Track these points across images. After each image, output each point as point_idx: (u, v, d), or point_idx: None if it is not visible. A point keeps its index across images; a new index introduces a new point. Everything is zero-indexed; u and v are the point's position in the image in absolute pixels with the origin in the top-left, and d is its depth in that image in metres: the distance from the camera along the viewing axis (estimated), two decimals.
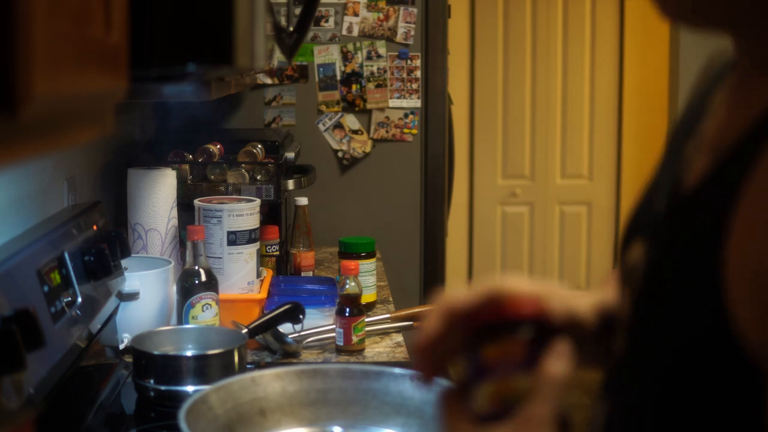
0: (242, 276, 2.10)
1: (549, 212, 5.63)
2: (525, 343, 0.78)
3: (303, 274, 2.55)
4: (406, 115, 3.21)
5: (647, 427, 0.71)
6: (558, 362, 0.77)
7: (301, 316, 1.97)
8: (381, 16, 3.16)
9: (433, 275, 3.29)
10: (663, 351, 0.68)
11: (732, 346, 0.63)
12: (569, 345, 0.79)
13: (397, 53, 3.17)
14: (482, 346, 0.78)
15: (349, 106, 3.20)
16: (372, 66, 3.18)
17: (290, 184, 2.53)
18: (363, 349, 2.02)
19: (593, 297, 0.92)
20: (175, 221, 2.17)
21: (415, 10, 3.16)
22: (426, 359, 0.84)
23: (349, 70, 3.18)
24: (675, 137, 0.83)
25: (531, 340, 0.79)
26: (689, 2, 0.70)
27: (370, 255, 2.31)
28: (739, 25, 0.70)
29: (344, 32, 3.16)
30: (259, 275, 2.19)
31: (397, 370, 1.30)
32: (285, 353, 1.97)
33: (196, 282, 1.90)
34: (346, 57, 3.17)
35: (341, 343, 2.00)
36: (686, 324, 0.66)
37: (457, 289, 0.84)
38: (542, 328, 0.80)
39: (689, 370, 0.66)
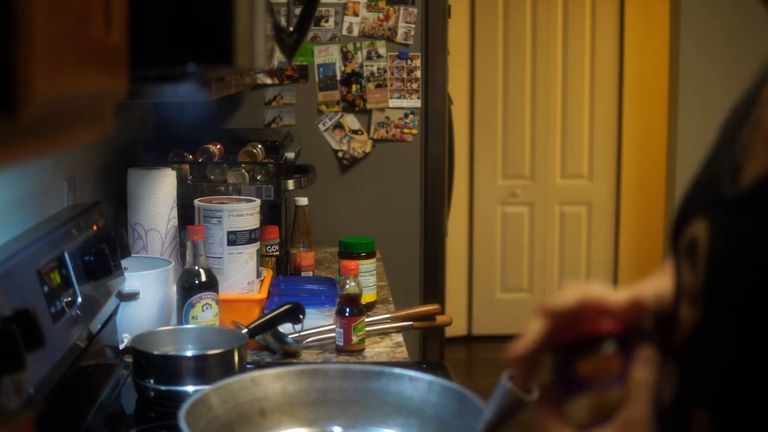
0: (242, 276, 2.10)
1: (549, 212, 5.63)
2: (617, 357, 0.85)
3: (303, 274, 2.55)
4: (406, 115, 3.21)
5: (719, 391, 0.74)
6: (646, 368, 0.85)
7: (301, 316, 1.97)
8: (381, 16, 3.16)
9: (433, 275, 3.29)
10: (740, 328, 0.72)
11: None
12: (652, 350, 0.86)
13: (397, 53, 3.18)
14: (576, 361, 0.84)
15: (349, 106, 3.20)
16: (372, 66, 3.18)
17: (290, 184, 2.53)
18: (363, 349, 2.02)
19: (655, 284, 0.97)
20: (175, 221, 2.17)
21: (415, 10, 3.16)
22: (525, 366, 0.92)
23: (349, 70, 3.18)
24: (732, 119, 0.86)
25: (620, 353, 0.85)
26: None
27: (370, 255, 2.31)
28: None
29: (344, 32, 3.16)
30: (259, 275, 2.19)
31: (397, 371, 1.30)
32: (285, 353, 1.97)
33: (196, 282, 1.90)
34: (346, 57, 3.17)
35: (341, 343, 2.00)
36: (747, 321, 0.70)
37: (556, 299, 0.92)
38: (625, 340, 0.86)
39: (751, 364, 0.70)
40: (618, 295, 0.92)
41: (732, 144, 0.82)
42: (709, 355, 0.76)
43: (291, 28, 1.65)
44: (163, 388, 1.65)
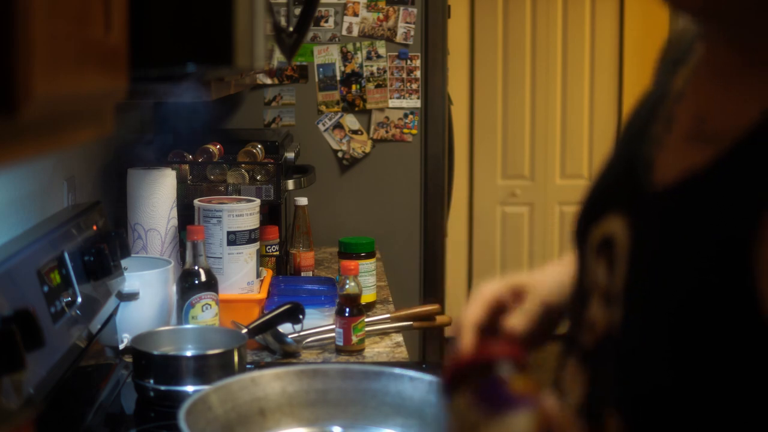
0: (242, 276, 2.10)
1: (549, 212, 5.63)
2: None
3: (303, 274, 2.55)
4: (405, 116, 3.21)
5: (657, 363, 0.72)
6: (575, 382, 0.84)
7: (300, 316, 1.97)
8: (381, 16, 3.16)
9: (432, 275, 3.29)
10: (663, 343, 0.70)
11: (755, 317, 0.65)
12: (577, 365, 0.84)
13: (396, 53, 3.17)
14: (510, 377, 0.79)
15: (349, 107, 3.20)
16: (372, 66, 3.18)
17: (290, 184, 2.53)
18: (363, 349, 2.02)
19: (557, 271, 1.01)
20: (174, 221, 2.17)
21: (415, 10, 3.16)
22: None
23: (348, 70, 3.18)
24: (640, 112, 0.86)
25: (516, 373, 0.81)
26: None
27: (369, 255, 2.31)
28: (729, 13, 0.73)
29: (344, 32, 3.16)
30: (258, 275, 2.19)
31: (397, 370, 1.30)
32: (285, 353, 1.97)
33: (196, 282, 1.90)
34: (345, 57, 3.17)
35: (341, 343, 2.00)
36: (706, 292, 0.68)
37: (466, 314, 0.95)
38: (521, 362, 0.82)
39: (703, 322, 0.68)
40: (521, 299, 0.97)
41: (642, 138, 0.82)
42: (634, 359, 0.74)
43: (291, 28, 1.65)
44: (162, 388, 1.65)
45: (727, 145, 0.71)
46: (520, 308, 0.98)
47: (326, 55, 3.17)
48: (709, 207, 0.71)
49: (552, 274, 1.03)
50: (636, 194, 0.79)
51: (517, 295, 1.01)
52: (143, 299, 1.90)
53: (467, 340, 0.94)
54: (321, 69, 3.18)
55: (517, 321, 0.97)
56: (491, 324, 0.96)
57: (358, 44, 3.17)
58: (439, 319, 2.26)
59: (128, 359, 1.83)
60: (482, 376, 0.80)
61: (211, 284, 1.92)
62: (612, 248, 0.79)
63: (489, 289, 1.00)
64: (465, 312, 0.97)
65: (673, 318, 0.70)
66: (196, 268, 1.90)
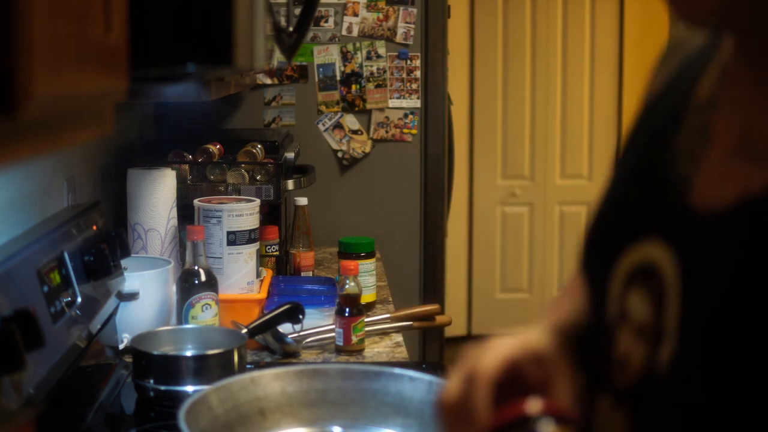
0: (242, 276, 2.10)
1: (549, 212, 5.63)
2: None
3: (303, 274, 2.55)
4: (405, 115, 3.21)
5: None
6: None
7: (300, 316, 1.97)
8: (381, 16, 3.16)
9: (432, 275, 3.29)
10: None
11: None
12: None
13: (396, 53, 3.17)
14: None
15: (349, 106, 3.20)
16: (372, 66, 3.18)
17: (290, 184, 2.53)
18: (363, 349, 2.02)
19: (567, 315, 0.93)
20: (174, 221, 2.17)
21: (415, 10, 3.16)
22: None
23: (348, 70, 3.18)
24: (651, 122, 0.79)
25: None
26: (712, 5, 0.67)
27: (369, 255, 2.31)
28: (743, 23, 0.68)
29: (344, 32, 3.16)
30: (258, 275, 2.19)
31: (397, 371, 1.30)
32: (285, 353, 1.97)
33: (196, 282, 1.90)
34: (345, 57, 3.17)
35: (341, 343, 2.00)
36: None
37: (482, 366, 0.87)
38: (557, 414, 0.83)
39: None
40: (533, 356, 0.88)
41: (665, 151, 0.74)
42: (690, 398, 0.67)
43: (291, 28, 1.65)
44: (162, 388, 1.65)
45: None
46: (558, 383, 0.89)
47: (326, 55, 3.17)
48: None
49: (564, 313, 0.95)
50: (676, 218, 0.71)
51: (539, 363, 0.90)
52: (143, 299, 1.90)
53: (485, 395, 0.86)
54: (321, 69, 3.18)
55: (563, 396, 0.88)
56: (510, 380, 0.88)
57: (358, 44, 3.17)
58: (439, 319, 2.26)
59: (128, 359, 1.83)
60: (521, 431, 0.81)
61: (211, 284, 1.92)
62: (654, 279, 0.71)
63: (505, 348, 0.89)
64: (479, 363, 0.88)
65: (737, 358, 0.63)
66: (196, 268, 1.90)
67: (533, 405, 0.82)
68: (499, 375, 0.87)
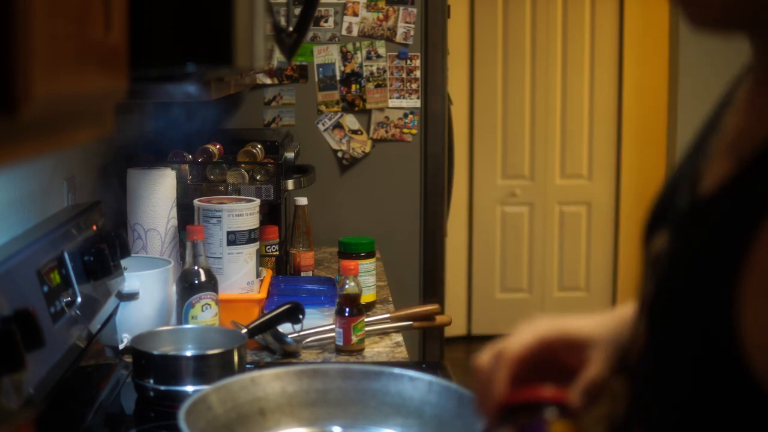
0: (242, 276, 2.10)
1: (549, 212, 5.63)
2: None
3: (303, 274, 2.55)
4: (405, 115, 3.21)
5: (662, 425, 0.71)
6: None
7: (300, 316, 1.97)
8: (380, 16, 3.16)
9: (432, 275, 3.29)
10: (676, 361, 0.69)
11: (740, 372, 0.62)
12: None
13: (396, 53, 3.18)
14: (551, 423, 0.85)
15: (349, 106, 3.20)
16: (371, 66, 3.18)
17: (290, 184, 2.53)
18: (362, 349, 2.02)
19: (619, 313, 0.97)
20: (174, 221, 2.17)
21: (415, 10, 3.16)
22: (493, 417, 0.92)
23: (348, 70, 3.18)
24: (703, 129, 0.83)
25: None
26: (716, 9, 0.69)
27: (369, 255, 2.31)
28: (760, 28, 0.70)
29: (344, 32, 3.16)
30: (258, 275, 2.19)
31: (397, 370, 1.30)
32: (285, 353, 1.97)
33: (196, 282, 1.90)
34: (345, 57, 3.17)
35: (341, 343, 2.00)
36: (695, 339, 0.66)
37: (512, 342, 0.93)
38: (565, 406, 0.87)
39: (699, 388, 0.66)
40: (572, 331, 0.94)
41: (700, 152, 0.79)
42: (654, 374, 0.72)
43: (291, 28, 1.65)
44: (162, 388, 1.65)
45: (746, 160, 0.68)
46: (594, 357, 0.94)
47: (326, 55, 3.17)
48: (718, 224, 0.67)
49: (606, 317, 0.99)
50: (678, 208, 0.77)
51: (571, 346, 0.95)
52: (143, 299, 1.90)
53: (505, 374, 0.92)
54: (321, 69, 3.18)
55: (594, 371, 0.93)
56: (537, 361, 0.94)
57: (357, 44, 3.17)
58: (439, 319, 2.26)
59: (128, 359, 1.83)
60: (529, 416, 0.86)
61: (211, 284, 1.92)
62: (658, 264, 0.78)
63: (542, 329, 0.95)
64: (512, 340, 0.94)
65: (680, 334, 0.68)
66: (196, 268, 1.90)
67: (544, 392, 0.87)
68: (528, 354, 0.92)
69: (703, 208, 0.71)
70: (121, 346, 1.88)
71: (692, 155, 0.81)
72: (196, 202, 2.14)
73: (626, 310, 0.96)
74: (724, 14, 0.69)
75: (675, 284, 0.71)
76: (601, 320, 0.96)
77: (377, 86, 3.18)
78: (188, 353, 1.76)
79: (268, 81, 3.17)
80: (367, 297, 2.26)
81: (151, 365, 1.67)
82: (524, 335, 0.94)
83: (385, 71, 3.18)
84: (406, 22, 3.16)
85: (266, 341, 1.97)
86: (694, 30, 0.71)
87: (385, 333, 2.16)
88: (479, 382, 0.94)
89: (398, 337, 2.14)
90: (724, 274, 0.64)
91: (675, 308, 0.70)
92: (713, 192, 0.70)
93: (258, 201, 2.18)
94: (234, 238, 2.08)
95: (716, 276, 0.65)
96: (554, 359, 0.94)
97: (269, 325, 1.95)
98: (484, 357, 0.95)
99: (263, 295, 2.14)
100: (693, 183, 0.76)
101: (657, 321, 0.73)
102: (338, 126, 3.20)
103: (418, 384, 1.28)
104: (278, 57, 2.35)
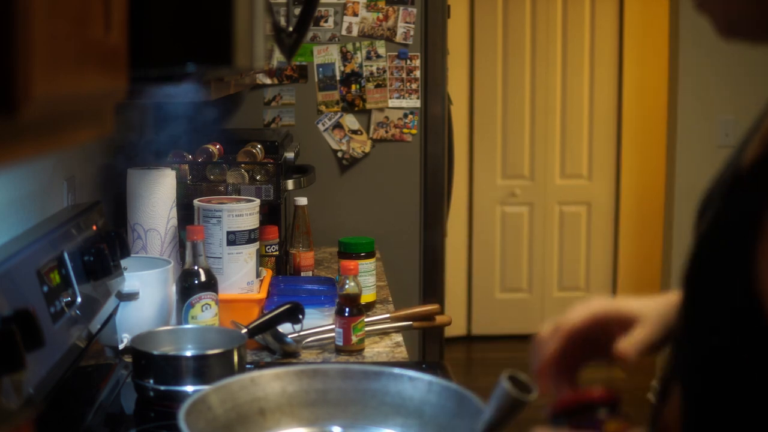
0: (242, 276, 2.10)
1: (548, 212, 5.63)
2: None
3: (302, 274, 2.55)
4: (405, 115, 3.21)
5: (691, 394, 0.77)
6: None
7: (300, 316, 1.97)
8: (380, 16, 3.16)
9: (432, 275, 3.29)
10: (702, 332, 0.75)
11: (761, 327, 0.68)
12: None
13: (396, 53, 3.18)
14: (605, 422, 0.91)
15: (349, 106, 3.20)
16: (371, 66, 3.18)
17: (290, 184, 2.53)
18: (362, 349, 2.02)
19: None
20: (174, 221, 2.17)
21: (415, 10, 3.16)
22: (546, 379, 1.00)
23: (348, 70, 3.18)
24: (754, 122, 0.87)
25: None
26: (722, 21, 0.74)
27: (369, 255, 2.31)
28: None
29: (344, 32, 3.16)
30: (258, 275, 2.19)
31: (397, 371, 1.30)
32: (285, 353, 1.97)
33: (196, 282, 1.90)
34: (345, 57, 3.17)
35: (341, 343, 2.00)
36: (720, 308, 0.72)
37: (568, 317, 1.00)
38: (615, 406, 0.92)
39: (725, 354, 0.72)
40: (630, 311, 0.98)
41: (747, 143, 0.83)
42: (685, 334, 0.79)
43: (290, 28, 1.65)
44: (162, 388, 1.65)
45: (765, 144, 0.73)
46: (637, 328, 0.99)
47: (326, 55, 3.17)
48: (743, 197, 0.73)
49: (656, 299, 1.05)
50: (716, 195, 0.82)
51: (623, 322, 1.00)
52: (143, 299, 1.90)
53: (559, 344, 0.98)
54: (321, 69, 3.18)
55: (640, 336, 0.98)
56: (591, 336, 1.00)
57: (357, 44, 3.17)
58: (439, 319, 2.26)
59: (128, 359, 1.83)
60: (583, 418, 0.91)
61: (211, 284, 1.92)
62: None
63: (596, 306, 1.01)
64: (568, 315, 1.00)
65: (707, 291, 0.74)
66: (196, 268, 1.91)
67: (595, 393, 0.92)
68: (583, 327, 0.99)
69: (729, 190, 0.77)
70: (121, 346, 1.88)
71: (740, 146, 0.85)
72: (196, 202, 2.14)
73: (676, 296, 0.99)
74: (727, 25, 0.74)
75: (703, 250, 0.77)
76: (653, 301, 1.02)
77: (377, 86, 3.18)
78: (188, 353, 1.76)
79: (268, 81, 3.17)
80: (367, 297, 2.26)
81: (151, 365, 1.67)
82: (580, 311, 1.00)
83: (384, 71, 3.18)
84: (406, 22, 3.17)
85: (266, 341, 1.97)
86: (724, 41, 0.76)
87: (385, 333, 2.16)
88: (537, 351, 1.01)
89: (398, 337, 2.14)
90: (745, 239, 0.70)
91: (704, 270, 0.75)
92: (738, 175, 0.76)
93: (258, 201, 2.18)
94: (234, 238, 2.08)
95: (739, 241, 0.71)
96: (607, 335, 1.00)
97: (269, 325, 1.95)
98: (544, 330, 1.02)
99: (263, 295, 2.14)
100: (734, 168, 0.80)
101: (689, 282, 0.78)
102: (338, 126, 3.20)
103: (417, 384, 1.28)
104: (278, 57, 2.35)
